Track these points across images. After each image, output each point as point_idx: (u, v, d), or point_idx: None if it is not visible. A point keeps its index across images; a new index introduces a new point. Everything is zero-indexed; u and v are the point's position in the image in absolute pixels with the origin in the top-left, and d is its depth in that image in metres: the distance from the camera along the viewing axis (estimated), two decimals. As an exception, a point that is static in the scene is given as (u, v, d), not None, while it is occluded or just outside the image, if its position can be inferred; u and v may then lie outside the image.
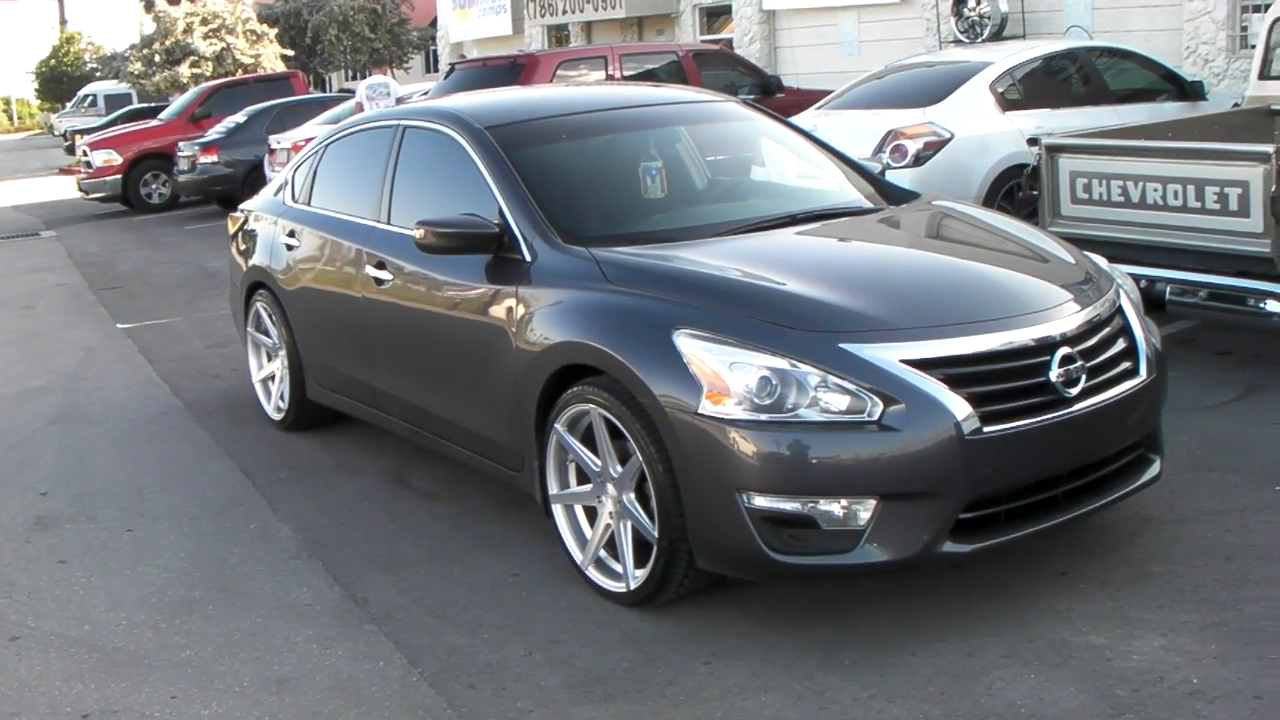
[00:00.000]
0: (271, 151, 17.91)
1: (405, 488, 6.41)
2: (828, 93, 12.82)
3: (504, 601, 5.01)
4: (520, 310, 5.16)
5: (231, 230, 8.15)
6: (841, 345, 4.40)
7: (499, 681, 4.39)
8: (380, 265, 6.10)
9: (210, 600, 5.20)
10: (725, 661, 4.42)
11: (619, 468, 4.78)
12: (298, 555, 5.60)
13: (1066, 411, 4.53)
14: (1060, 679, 4.14)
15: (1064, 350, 4.58)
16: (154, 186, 21.82)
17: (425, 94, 16.33)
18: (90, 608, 5.21)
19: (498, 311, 5.29)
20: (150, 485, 6.73)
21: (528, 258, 5.24)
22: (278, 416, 7.54)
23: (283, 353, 7.33)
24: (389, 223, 6.20)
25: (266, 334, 7.56)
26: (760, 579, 4.73)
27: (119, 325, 11.65)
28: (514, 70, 12.64)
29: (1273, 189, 6.74)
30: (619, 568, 4.87)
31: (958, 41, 17.30)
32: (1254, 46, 14.57)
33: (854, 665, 4.33)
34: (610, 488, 4.83)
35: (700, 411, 4.37)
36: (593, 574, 4.97)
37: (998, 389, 4.46)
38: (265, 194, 7.93)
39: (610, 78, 13.09)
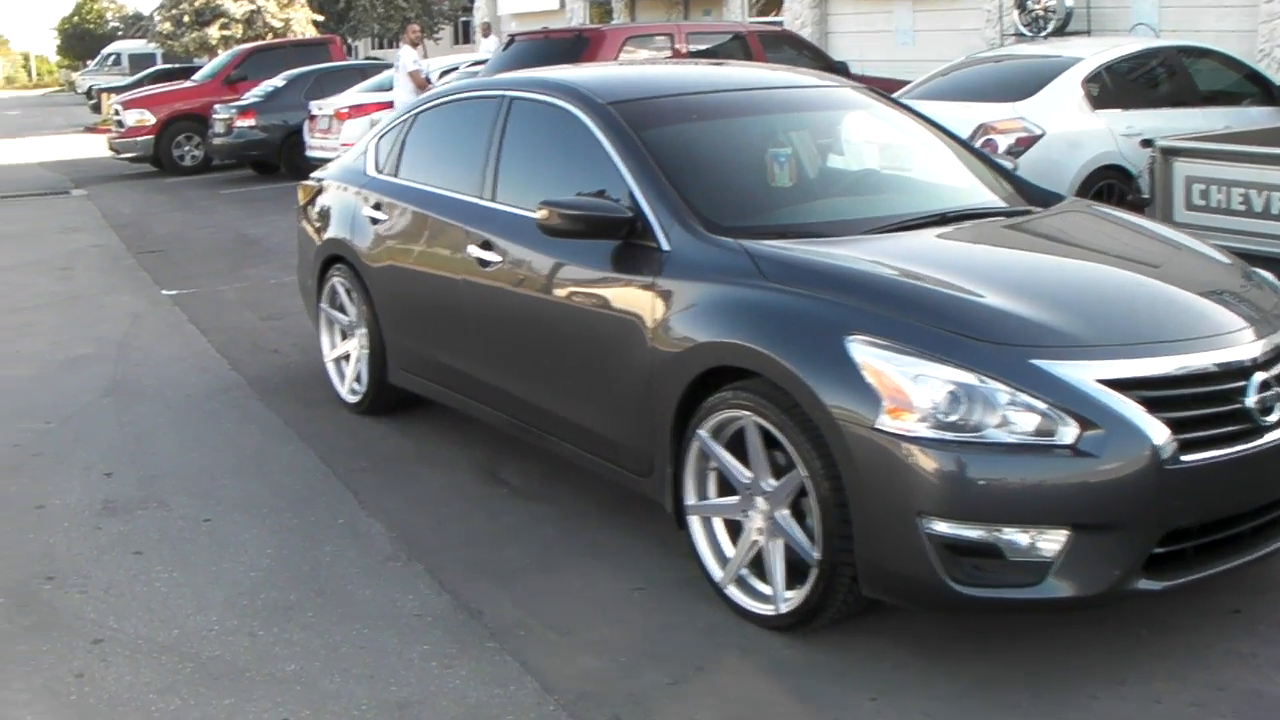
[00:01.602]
0: (312, 117, 17.51)
1: (498, 484, 6.00)
2: (894, 81, 12.40)
3: (632, 619, 4.60)
4: (657, 304, 4.74)
5: (302, 200, 7.72)
6: (1033, 361, 4.00)
7: (645, 714, 3.98)
8: (485, 245, 5.69)
9: (307, 605, 4.78)
10: (891, 699, 4.02)
11: (772, 481, 4.38)
12: (394, 557, 5.19)
13: (1262, 441, 4.14)
14: (1266, 737, 3.75)
15: (1261, 375, 4.19)
16: (186, 148, 21.35)
17: (475, 64, 15.89)
18: (176, 609, 4.78)
19: (628, 303, 4.88)
20: (221, 469, 6.32)
21: (664, 246, 4.83)
22: (353, 399, 7.12)
23: (361, 332, 6.91)
24: (494, 200, 5.79)
25: (343, 311, 7.14)
26: (936, 611, 4.32)
27: (163, 291, 11.23)
28: (579, 44, 12.19)
29: None
30: (764, 588, 4.48)
31: (1019, 35, 16.86)
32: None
33: (1031, 709, 3.94)
34: (760, 502, 4.43)
35: (878, 427, 3.97)
36: (733, 593, 4.57)
37: (1196, 414, 4.06)
38: (342, 162, 7.50)
39: (676, 53, 12.65)
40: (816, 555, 4.21)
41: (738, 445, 4.50)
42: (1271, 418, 4.17)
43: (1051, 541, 3.91)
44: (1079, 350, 4.05)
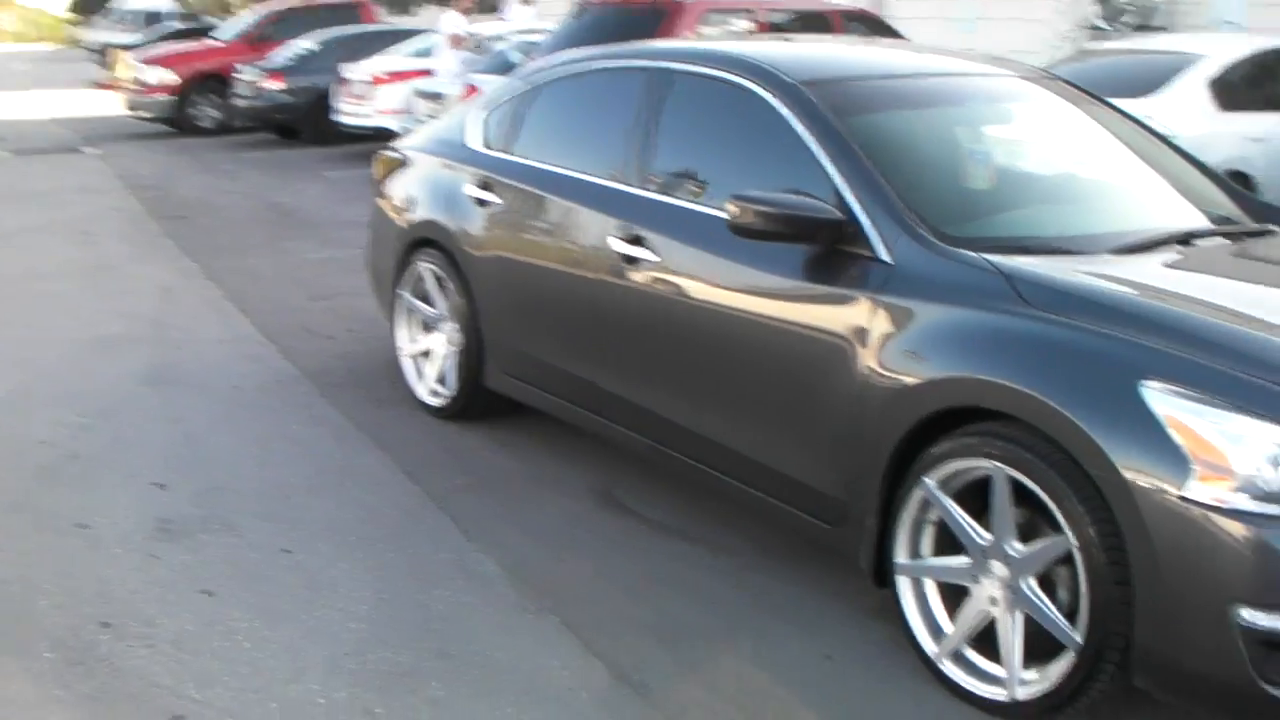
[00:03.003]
0: (344, 82, 16.65)
1: (625, 512, 5.17)
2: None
3: (830, 697, 3.81)
4: (877, 326, 3.95)
5: (380, 173, 6.87)
6: None
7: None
8: (635, 240, 4.88)
9: (430, 671, 3.92)
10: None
11: (1019, 545, 3.60)
12: (523, 606, 4.36)
13: None
14: None
15: None
16: (206, 109, 20.41)
17: (525, 33, 15.07)
18: (269, 673, 3.90)
19: (834, 323, 4.08)
20: (293, 484, 5.46)
21: (884, 257, 4.03)
22: (435, 402, 6.28)
23: (452, 327, 6.09)
24: (646, 189, 4.98)
25: (428, 302, 6.31)
26: (1235, 715, 3.50)
27: (194, 263, 10.33)
28: (655, 16, 11.38)
29: None
30: (991, 668, 3.73)
31: (1095, 28, 16.06)
32: None
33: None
34: (997, 567, 3.65)
35: (1187, 495, 3.20)
36: (950, 670, 3.82)
37: None
38: (433, 134, 6.65)
39: (761, 27, 11.82)
40: (1078, 638, 3.46)
41: (966, 499, 3.74)
42: None
43: (1379, 636, 3.17)
44: None
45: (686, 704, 3.77)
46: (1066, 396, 3.42)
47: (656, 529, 5.01)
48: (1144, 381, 3.33)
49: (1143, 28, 15.39)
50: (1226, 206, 4.87)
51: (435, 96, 14.56)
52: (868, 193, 4.16)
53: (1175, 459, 3.23)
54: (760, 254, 4.32)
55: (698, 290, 4.64)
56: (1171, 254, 4.23)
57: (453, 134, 6.32)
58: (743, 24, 11.96)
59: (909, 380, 3.82)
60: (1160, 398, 3.29)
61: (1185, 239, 4.37)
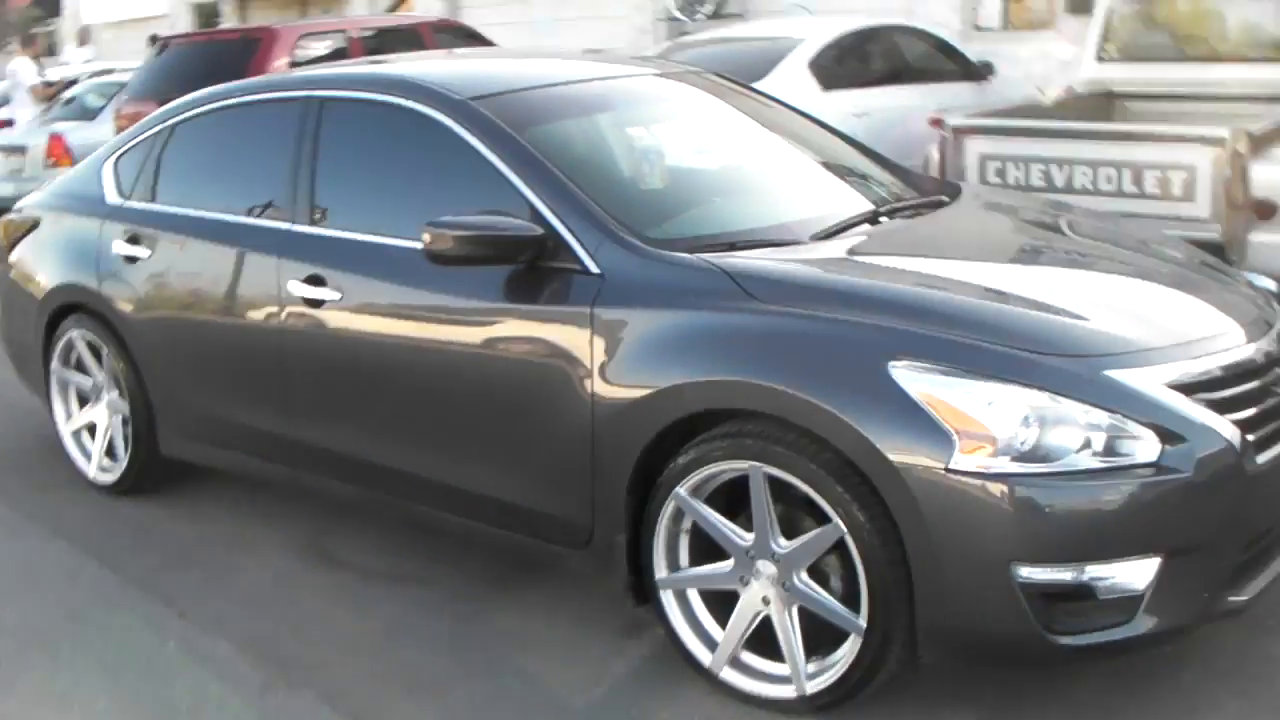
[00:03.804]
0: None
1: (340, 566, 4.93)
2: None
3: (619, 727, 3.72)
4: (595, 340, 3.87)
5: (4, 239, 6.32)
6: (1106, 373, 3.42)
7: None
8: (315, 281, 4.64)
9: (200, 773, 3.63)
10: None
11: (784, 541, 3.60)
12: (271, 685, 4.07)
13: None
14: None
15: None
16: None
17: (98, 74, 14.36)
18: None
19: (550, 343, 3.98)
20: (-29, 588, 4.96)
21: (592, 269, 3.96)
22: (107, 478, 5.81)
23: (112, 395, 5.67)
24: (316, 225, 4.75)
25: (83, 371, 5.85)
26: (1027, 668, 3.72)
27: None
28: (247, 47, 10.87)
29: (1225, 173, 6.34)
30: (772, 667, 3.74)
31: (673, 19, 16.46)
32: (982, 29, 14.61)
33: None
34: (764, 566, 3.65)
35: (953, 467, 3.28)
36: (730, 678, 3.79)
37: (1256, 412, 3.60)
38: (60, 190, 6.11)
39: (354, 45, 11.40)
40: (861, 623, 3.49)
41: (716, 502, 3.74)
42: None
43: (1143, 572, 3.39)
44: (1146, 356, 3.52)
45: (477, 760, 3.60)
46: (818, 387, 3.44)
47: (381, 579, 4.80)
48: (892, 362, 3.39)
49: (718, 16, 15.87)
50: (893, 182, 5.02)
51: (17, 150, 13.64)
52: (563, 204, 4.07)
53: (936, 434, 3.30)
54: (459, 281, 4.17)
55: (392, 326, 4.46)
56: (867, 234, 4.32)
57: (86, 187, 5.86)
58: None
59: (639, 392, 3.76)
60: (910, 376, 3.36)
61: (873, 218, 4.47)
